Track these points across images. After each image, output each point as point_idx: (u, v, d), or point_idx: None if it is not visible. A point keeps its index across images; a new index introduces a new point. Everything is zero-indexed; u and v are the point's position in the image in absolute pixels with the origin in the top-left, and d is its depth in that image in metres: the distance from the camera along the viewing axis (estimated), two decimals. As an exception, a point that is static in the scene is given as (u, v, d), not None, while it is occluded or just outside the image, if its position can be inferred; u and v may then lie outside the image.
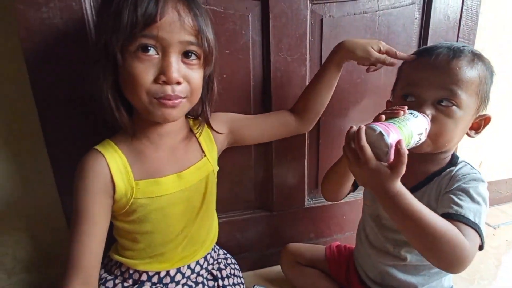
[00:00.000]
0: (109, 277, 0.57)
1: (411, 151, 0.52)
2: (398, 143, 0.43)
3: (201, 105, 0.56)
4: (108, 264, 0.60)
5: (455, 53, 0.52)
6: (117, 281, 0.57)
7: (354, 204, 0.88)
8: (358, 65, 0.65)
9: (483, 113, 0.56)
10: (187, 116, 0.60)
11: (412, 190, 0.56)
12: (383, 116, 0.48)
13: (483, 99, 0.54)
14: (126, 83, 0.46)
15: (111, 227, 0.55)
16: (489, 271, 0.88)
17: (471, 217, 0.47)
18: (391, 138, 0.43)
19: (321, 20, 0.72)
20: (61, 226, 0.71)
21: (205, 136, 0.61)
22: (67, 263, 0.49)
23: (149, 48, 0.44)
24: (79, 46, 0.57)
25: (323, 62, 0.74)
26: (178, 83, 0.46)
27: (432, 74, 0.53)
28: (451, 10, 0.81)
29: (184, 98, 0.48)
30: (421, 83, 0.53)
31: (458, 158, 0.59)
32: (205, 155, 0.59)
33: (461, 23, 0.83)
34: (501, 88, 1.00)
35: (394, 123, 0.46)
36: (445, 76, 0.51)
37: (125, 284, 0.56)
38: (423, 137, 0.50)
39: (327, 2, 0.71)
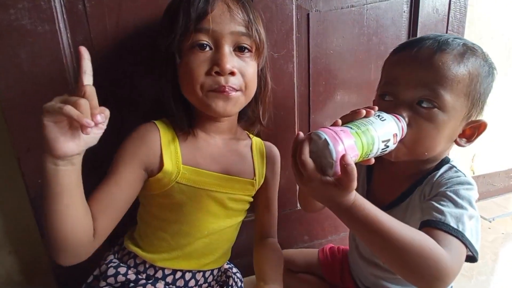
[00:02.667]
0: (122, 264, 0.55)
1: (387, 159, 0.47)
2: (343, 158, 0.36)
3: (254, 105, 0.58)
4: (119, 253, 0.57)
5: (441, 45, 0.45)
6: (130, 271, 0.54)
7: (348, 204, 0.86)
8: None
9: (478, 118, 0.48)
10: (243, 123, 0.62)
11: (395, 204, 0.52)
12: (339, 121, 0.42)
13: (476, 102, 0.46)
14: (183, 79, 0.50)
15: (136, 211, 0.56)
16: (486, 266, 0.87)
17: (452, 224, 0.41)
18: (338, 148, 0.36)
19: (308, 14, 0.70)
20: (39, 239, 0.67)
21: (259, 162, 0.62)
22: None
23: (204, 45, 0.47)
24: (49, 46, 0.53)
25: (311, 59, 0.72)
26: (232, 73, 0.48)
27: (412, 69, 0.45)
28: (439, 2, 0.80)
29: (238, 90, 0.49)
30: (399, 80, 0.47)
31: (447, 162, 0.51)
32: (254, 179, 0.60)
33: (450, 15, 0.83)
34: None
35: (351, 128, 0.40)
36: (426, 73, 0.44)
37: (139, 277, 0.54)
38: (392, 144, 0.43)
39: (313, -4, 0.69)
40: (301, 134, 0.40)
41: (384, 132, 0.42)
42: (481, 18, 0.99)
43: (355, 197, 0.39)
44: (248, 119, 0.61)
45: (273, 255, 0.61)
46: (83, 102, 0.35)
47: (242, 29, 0.48)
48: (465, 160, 1.14)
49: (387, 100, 0.49)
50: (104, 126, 0.39)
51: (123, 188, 0.48)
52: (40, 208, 0.59)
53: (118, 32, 0.56)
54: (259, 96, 0.57)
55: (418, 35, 0.80)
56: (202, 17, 0.46)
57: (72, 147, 0.38)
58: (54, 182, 0.38)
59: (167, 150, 0.51)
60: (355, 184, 0.37)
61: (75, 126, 0.37)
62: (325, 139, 0.37)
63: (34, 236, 0.69)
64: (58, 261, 0.43)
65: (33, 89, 0.53)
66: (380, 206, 0.41)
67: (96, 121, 0.36)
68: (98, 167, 0.48)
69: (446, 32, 0.84)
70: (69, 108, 0.34)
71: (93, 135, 0.39)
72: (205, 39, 0.47)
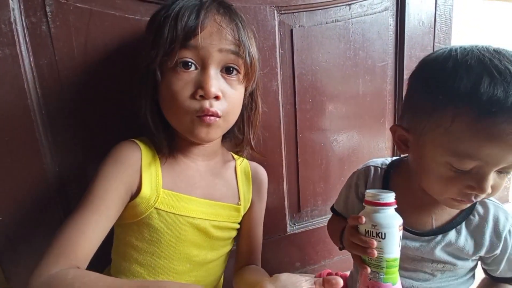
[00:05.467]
0: None
1: (419, 187, 0.48)
2: None
3: (242, 128, 0.55)
4: None
5: None
6: None
7: (342, 225, 0.81)
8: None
9: None
10: (227, 142, 0.59)
11: (446, 229, 0.50)
12: (368, 269, 0.43)
13: None
14: (165, 101, 0.46)
15: (110, 246, 0.51)
16: None
17: None
18: None
19: (291, 30, 0.67)
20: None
21: (245, 184, 0.59)
22: (48, 251, 0.40)
23: (189, 63, 0.44)
24: (9, 71, 0.48)
25: (296, 76, 0.70)
26: (217, 98, 0.45)
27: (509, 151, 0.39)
28: (425, 15, 0.79)
29: (220, 116, 0.46)
30: (492, 158, 0.40)
31: None
32: (239, 204, 0.56)
33: (436, 28, 0.82)
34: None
35: (378, 273, 0.42)
36: None
37: None
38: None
39: (296, 11, 0.67)
40: None
41: (394, 243, 0.42)
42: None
43: None
44: (235, 138, 0.57)
45: (258, 272, 0.57)
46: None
47: (231, 47, 0.45)
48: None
49: (461, 170, 0.42)
50: None
51: (109, 218, 0.44)
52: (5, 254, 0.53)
53: (86, 53, 0.52)
54: (247, 119, 0.54)
55: (406, 48, 0.79)
56: (190, 37, 0.43)
57: None
58: None
59: (147, 172, 0.47)
60: None
61: None
62: None
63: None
64: None
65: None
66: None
67: None
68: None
69: (433, 45, 0.83)
70: None
71: None
72: (190, 57, 0.44)
